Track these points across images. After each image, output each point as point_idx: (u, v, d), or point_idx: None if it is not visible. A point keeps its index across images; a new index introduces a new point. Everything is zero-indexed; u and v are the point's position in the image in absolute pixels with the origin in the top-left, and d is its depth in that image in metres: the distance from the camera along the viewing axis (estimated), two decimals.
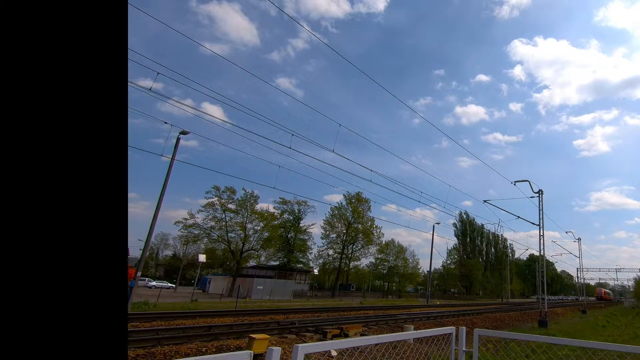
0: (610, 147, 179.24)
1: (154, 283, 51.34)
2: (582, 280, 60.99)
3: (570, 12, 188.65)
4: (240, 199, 40.94)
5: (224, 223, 40.23)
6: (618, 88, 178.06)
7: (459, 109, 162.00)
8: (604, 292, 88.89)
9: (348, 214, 54.26)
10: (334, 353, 9.30)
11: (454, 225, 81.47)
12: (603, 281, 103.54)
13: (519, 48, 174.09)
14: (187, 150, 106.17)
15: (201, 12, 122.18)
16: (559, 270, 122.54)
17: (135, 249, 44.83)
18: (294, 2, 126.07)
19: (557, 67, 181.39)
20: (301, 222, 54.53)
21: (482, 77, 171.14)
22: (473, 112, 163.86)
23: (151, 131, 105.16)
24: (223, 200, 40.06)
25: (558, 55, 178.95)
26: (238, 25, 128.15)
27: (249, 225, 41.68)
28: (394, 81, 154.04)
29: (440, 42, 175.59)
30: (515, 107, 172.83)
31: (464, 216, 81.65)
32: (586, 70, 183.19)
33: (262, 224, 43.18)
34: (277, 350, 1.84)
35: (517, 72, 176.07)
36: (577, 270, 60.60)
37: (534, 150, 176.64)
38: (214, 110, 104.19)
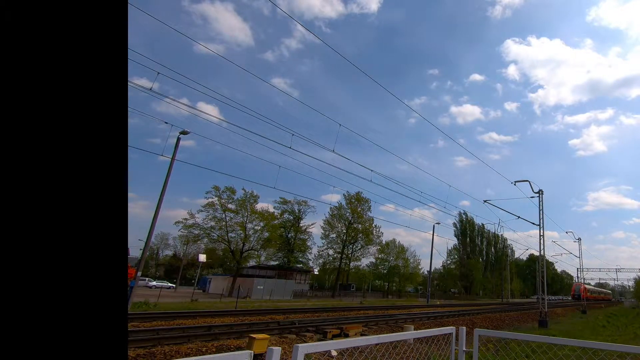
0: (607, 147, 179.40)
1: (154, 283, 51.31)
2: (582, 280, 60.89)
3: (563, 12, 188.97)
4: (240, 198, 40.94)
5: (224, 223, 40.22)
6: (613, 88, 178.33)
7: (454, 109, 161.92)
8: (584, 288, 61.64)
9: (348, 214, 54.24)
10: (334, 353, 9.30)
11: (454, 225, 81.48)
12: (603, 281, 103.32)
13: (513, 47, 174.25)
14: (184, 150, 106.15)
15: (194, 12, 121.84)
16: (559, 270, 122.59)
17: (135, 249, 44.81)
18: (287, 2, 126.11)
19: (551, 67, 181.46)
20: (301, 222, 54.58)
21: (477, 77, 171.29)
22: (468, 111, 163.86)
23: (148, 130, 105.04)
24: (223, 200, 40.07)
25: (552, 54, 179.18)
26: (232, 25, 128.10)
27: (249, 225, 41.69)
28: (388, 81, 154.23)
29: (434, 42, 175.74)
30: (510, 106, 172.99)
31: (464, 216, 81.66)
32: (581, 69, 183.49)
33: (262, 224, 43.18)
34: (277, 350, 1.84)
35: (512, 71, 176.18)
36: (577, 270, 60.41)
37: (530, 149, 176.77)
38: (210, 110, 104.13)
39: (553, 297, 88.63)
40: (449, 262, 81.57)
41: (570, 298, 73.82)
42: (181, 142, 20.15)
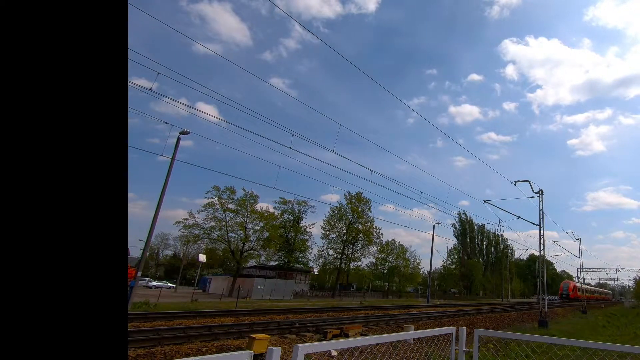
0: (605, 147, 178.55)
1: (154, 283, 51.34)
2: (582, 280, 60.89)
3: (561, 11, 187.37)
4: (240, 198, 40.97)
5: (224, 223, 40.24)
6: (611, 87, 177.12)
7: (452, 109, 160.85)
8: (573, 286, 53.61)
9: (348, 214, 54.24)
10: (334, 353, 9.30)
11: (453, 225, 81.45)
12: (603, 281, 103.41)
13: (511, 47, 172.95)
14: (183, 150, 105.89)
15: (192, 12, 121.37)
16: (559, 270, 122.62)
17: (135, 249, 44.79)
18: (285, 2, 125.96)
19: (549, 67, 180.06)
20: (301, 222, 54.57)
21: (475, 77, 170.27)
22: (467, 111, 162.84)
23: (147, 130, 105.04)
24: (223, 200, 40.09)
25: (550, 54, 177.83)
26: (230, 25, 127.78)
27: (249, 225, 41.71)
28: (387, 81, 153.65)
29: (432, 42, 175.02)
30: (509, 106, 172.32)
31: (464, 216, 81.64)
32: (579, 69, 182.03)
33: (262, 224, 43.22)
34: (277, 350, 1.84)
35: (510, 71, 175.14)
36: (577, 271, 60.38)
37: (529, 149, 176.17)
38: (209, 110, 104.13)
39: (553, 297, 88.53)
40: (449, 262, 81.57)
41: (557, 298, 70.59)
42: (180, 142, 20.16)
